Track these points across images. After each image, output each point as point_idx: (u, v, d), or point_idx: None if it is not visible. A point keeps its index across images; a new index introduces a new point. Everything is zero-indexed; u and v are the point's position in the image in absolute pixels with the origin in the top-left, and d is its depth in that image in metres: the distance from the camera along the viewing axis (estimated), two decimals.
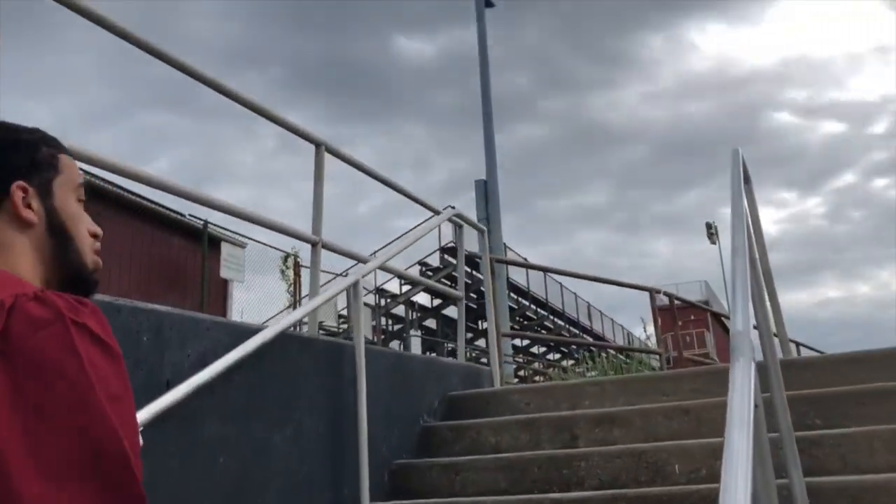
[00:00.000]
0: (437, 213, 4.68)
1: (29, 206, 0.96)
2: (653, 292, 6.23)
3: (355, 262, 4.26)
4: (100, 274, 1.04)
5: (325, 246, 3.52)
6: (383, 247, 18.79)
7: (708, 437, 3.08)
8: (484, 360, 21.97)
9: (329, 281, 17.80)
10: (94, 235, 1.05)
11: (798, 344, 11.31)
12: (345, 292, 3.51)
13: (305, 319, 3.51)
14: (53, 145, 1.04)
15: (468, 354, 22.18)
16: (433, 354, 22.13)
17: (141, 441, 0.83)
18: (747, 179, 4.37)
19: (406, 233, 20.03)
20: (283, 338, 2.86)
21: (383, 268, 4.13)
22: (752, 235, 4.45)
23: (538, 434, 3.50)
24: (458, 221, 5.07)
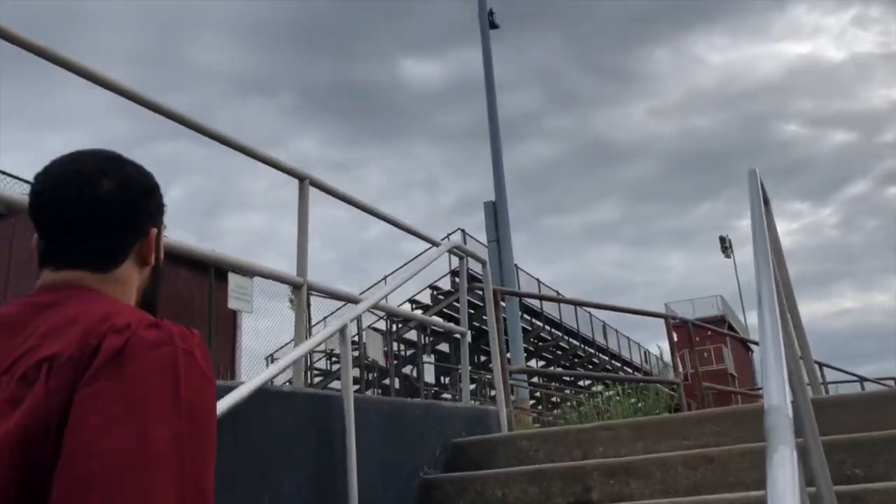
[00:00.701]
0: (436, 244, 4.41)
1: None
2: (668, 319, 5.91)
3: (347, 302, 3.98)
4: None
5: (311, 288, 3.26)
6: (383, 278, 18.44)
7: (735, 491, 2.78)
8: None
9: (340, 307, 17.61)
10: None
11: (821, 365, 10.91)
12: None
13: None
14: (159, 190, 1.12)
15: (482, 390, 21.76)
16: (446, 381, 21.81)
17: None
18: (766, 201, 4.09)
19: (407, 262, 19.79)
20: (262, 394, 2.59)
21: (377, 307, 3.85)
22: (774, 263, 4.15)
23: (549, 487, 3.20)
24: (459, 253, 4.81)
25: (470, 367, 17.57)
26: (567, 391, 29.26)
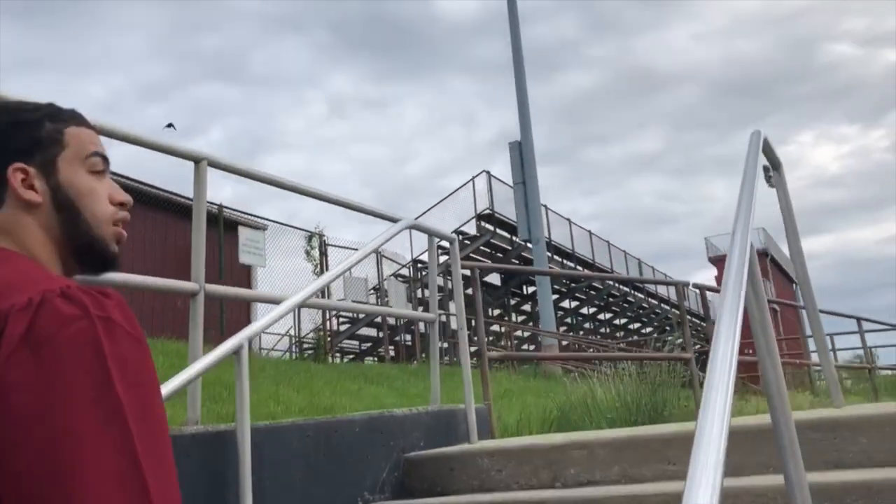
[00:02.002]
0: (394, 220, 3.84)
1: (32, 188, 0.95)
2: (680, 287, 5.25)
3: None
4: (122, 245, 1.02)
5: (209, 294, 2.73)
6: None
7: None
8: (525, 345, 20.97)
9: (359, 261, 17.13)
10: (121, 204, 1.03)
11: (860, 319, 10.07)
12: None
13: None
14: (60, 119, 1.01)
15: (503, 342, 21.21)
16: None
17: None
18: (775, 164, 3.41)
19: (440, 201, 19.09)
20: None
21: (306, 304, 3.31)
22: (789, 234, 3.46)
23: None
24: (422, 229, 4.24)
25: (489, 319, 16.87)
26: (594, 337, 28.77)
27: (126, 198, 1.04)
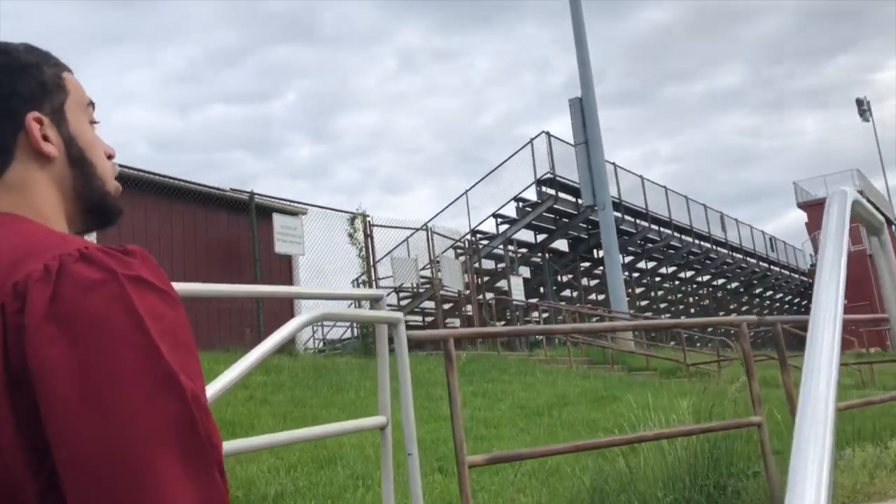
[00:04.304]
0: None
1: (46, 138, 0.87)
2: (744, 326, 3.95)
3: None
4: (120, 199, 0.96)
5: None
6: (464, 192, 16.12)
7: None
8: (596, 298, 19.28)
9: (451, 245, 16.13)
10: (110, 157, 0.96)
11: None
12: None
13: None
14: (54, 63, 0.92)
15: (582, 297, 20.02)
16: (541, 291, 20.24)
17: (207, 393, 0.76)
18: (874, 229, 2.23)
19: (490, 171, 17.89)
20: None
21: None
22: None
23: None
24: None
25: (569, 277, 15.63)
26: (675, 297, 27.17)
27: (113, 150, 0.97)
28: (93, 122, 0.94)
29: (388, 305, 14.32)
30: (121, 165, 0.98)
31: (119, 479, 0.65)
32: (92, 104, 0.95)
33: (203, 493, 0.68)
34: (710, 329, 26.04)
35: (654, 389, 9.83)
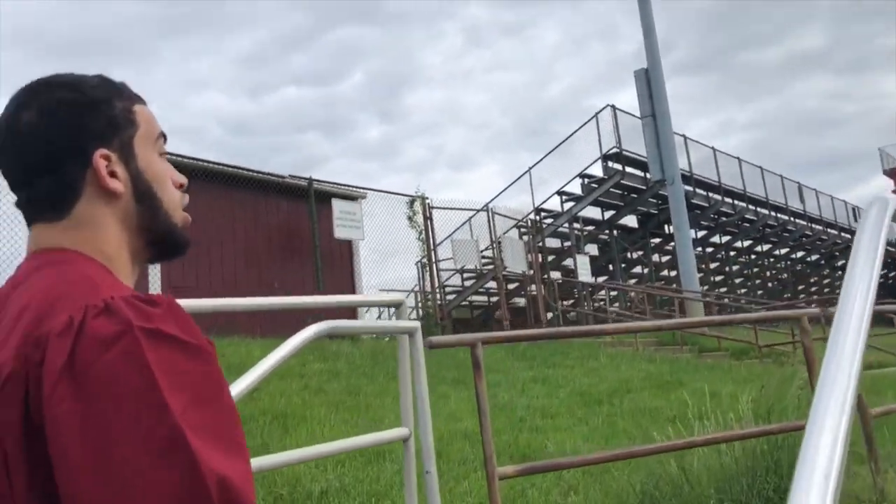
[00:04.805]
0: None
1: (113, 175, 0.87)
2: (804, 321, 3.63)
3: None
4: (189, 229, 0.95)
5: None
6: (528, 170, 15.66)
7: None
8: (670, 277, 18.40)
9: (514, 226, 15.91)
10: (180, 186, 0.95)
11: None
12: None
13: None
14: (126, 96, 0.92)
15: (653, 274, 19.51)
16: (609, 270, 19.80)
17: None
18: None
19: (557, 145, 17.43)
20: None
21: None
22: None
23: None
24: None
25: (640, 254, 15.22)
26: (750, 271, 26.26)
27: (184, 179, 0.96)
28: (162, 154, 0.94)
29: (450, 286, 14.17)
30: (178, 156, 0.94)
31: None
32: (163, 136, 0.94)
33: None
34: (788, 296, 25.22)
35: (723, 372, 9.48)
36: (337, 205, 12.34)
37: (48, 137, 0.85)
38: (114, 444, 0.65)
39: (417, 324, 2.56)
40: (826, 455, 0.86)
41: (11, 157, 0.87)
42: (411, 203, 13.54)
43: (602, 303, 17.26)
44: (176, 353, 0.71)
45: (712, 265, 24.17)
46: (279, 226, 12.50)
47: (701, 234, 22.60)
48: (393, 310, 2.71)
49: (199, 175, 11.00)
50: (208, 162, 11.55)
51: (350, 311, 11.08)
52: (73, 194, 0.86)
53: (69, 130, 0.86)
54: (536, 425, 6.57)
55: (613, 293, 17.85)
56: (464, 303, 15.08)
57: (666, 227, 21.00)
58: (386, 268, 13.72)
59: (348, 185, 13.12)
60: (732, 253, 25.39)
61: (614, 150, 17.75)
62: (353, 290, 12.97)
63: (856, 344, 1.05)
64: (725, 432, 3.61)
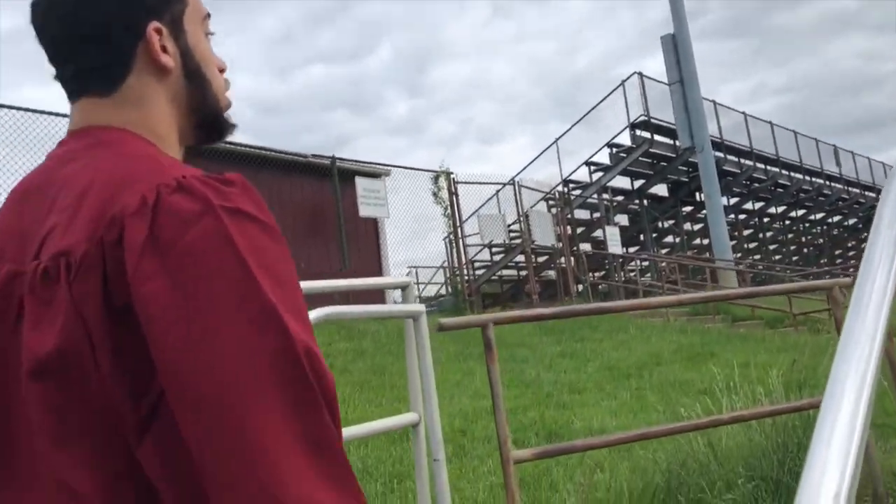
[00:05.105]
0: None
1: (165, 50, 0.84)
2: (836, 291, 3.46)
3: None
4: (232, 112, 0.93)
5: None
6: (554, 141, 15.32)
7: None
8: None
9: (542, 198, 15.73)
10: (222, 71, 0.93)
11: None
12: None
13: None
14: None
15: (685, 243, 19.24)
16: (641, 239, 19.53)
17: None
18: None
19: (582, 117, 17.18)
20: None
21: None
22: None
23: None
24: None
25: (671, 223, 14.96)
26: (785, 237, 25.76)
27: (225, 64, 0.93)
28: (208, 34, 0.92)
29: (478, 262, 14.05)
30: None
31: (222, 414, 0.65)
32: (209, 16, 0.92)
33: (306, 431, 0.65)
34: (825, 261, 24.73)
35: (756, 343, 9.27)
36: (360, 183, 12.28)
37: (101, 6, 0.82)
38: (211, 317, 0.66)
39: (422, 307, 2.47)
40: (843, 434, 0.79)
41: (59, 25, 0.83)
42: (436, 179, 13.42)
43: (633, 274, 17.02)
44: (257, 231, 0.70)
45: (745, 232, 23.75)
46: (304, 205, 12.48)
47: (733, 200, 22.18)
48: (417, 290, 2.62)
49: (223, 158, 10.99)
50: (233, 144, 11.54)
51: (379, 293, 11.05)
52: (125, 67, 0.83)
53: (122, 0, 0.83)
54: (563, 401, 6.47)
55: (645, 264, 17.59)
56: (493, 277, 14.96)
57: (697, 194, 20.64)
58: (413, 245, 13.66)
59: (372, 163, 13.04)
60: (766, 219, 24.93)
61: (642, 118, 17.42)
62: (379, 268, 12.95)
63: (879, 309, 0.96)
64: (752, 409, 3.48)
